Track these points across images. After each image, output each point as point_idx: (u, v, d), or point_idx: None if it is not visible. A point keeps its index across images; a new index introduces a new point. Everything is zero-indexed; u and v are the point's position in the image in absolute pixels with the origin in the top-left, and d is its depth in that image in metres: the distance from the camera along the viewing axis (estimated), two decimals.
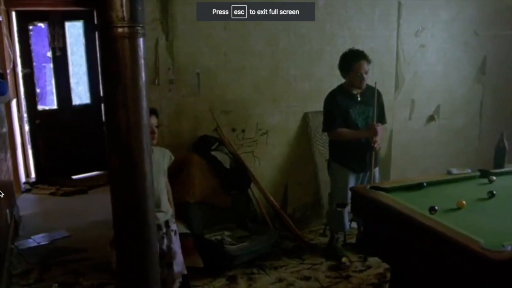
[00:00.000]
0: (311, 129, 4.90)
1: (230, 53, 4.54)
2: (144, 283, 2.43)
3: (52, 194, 6.37)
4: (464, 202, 2.96)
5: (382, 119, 4.31)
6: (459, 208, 2.94)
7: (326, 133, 4.37)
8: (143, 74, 2.17)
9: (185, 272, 3.48)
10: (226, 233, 4.39)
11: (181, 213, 4.25)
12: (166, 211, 3.35)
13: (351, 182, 4.18)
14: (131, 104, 2.15)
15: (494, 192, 3.14)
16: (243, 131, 4.73)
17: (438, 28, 5.48)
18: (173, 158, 3.52)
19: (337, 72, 4.20)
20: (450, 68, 5.62)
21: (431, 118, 5.66)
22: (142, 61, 2.16)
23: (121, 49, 2.09)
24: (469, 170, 3.67)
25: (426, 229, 2.58)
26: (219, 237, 4.28)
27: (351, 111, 4.11)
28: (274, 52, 4.71)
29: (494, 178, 3.49)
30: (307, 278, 4.01)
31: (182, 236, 4.08)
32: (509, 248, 2.25)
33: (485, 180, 3.49)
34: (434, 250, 2.54)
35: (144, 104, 2.20)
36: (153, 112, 3.17)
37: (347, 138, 4.15)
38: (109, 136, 2.27)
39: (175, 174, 4.35)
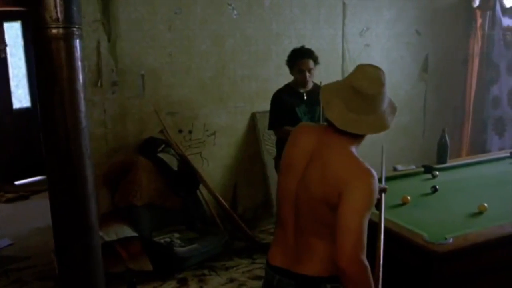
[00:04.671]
0: (259, 129, 4.90)
1: (175, 53, 4.49)
2: None
3: None
4: (408, 197, 3.02)
5: None
6: (404, 204, 3.00)
7: (273, 133, 4.37)
8: (80, 76, 2.11)
9: None
10: (176, 235, 4.33)
11: (128, 216, 4.19)
12: None
13: None
14: (69, 107, 2.09)
15: (437, 187, 3.22)
16: (190, 132, 4.68)
17: (382, 27, 5.59)
18: None
19: (284, 72, 4.21)
20: (394, 67, 5.74)
21: None
22: (79, 63, 2.10)
23: (55, 51, 2.04)
24: (414, 166, 3.75)
25: (373, 225, 2.61)
26: (168, 240, 4.22)
27: (296, 109, 4.11)
28: (220, 53, 4.69)
29: (437, 173, 3.58)
30: (259, 278, 3.99)
31: (130, 239, 4.02)
32: (451, 240, 2.32)
33: (429, 176, 3.58)
34: None
35: (83, 107, 2.14)
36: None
37: None
38: (46, 140, 2.21)
39: (121, 177, 4.27)
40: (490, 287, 2.46)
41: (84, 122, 2.13)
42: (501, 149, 5.49)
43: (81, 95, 2.11)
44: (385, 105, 1.92)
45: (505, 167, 3.87)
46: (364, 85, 1.84)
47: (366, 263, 1.71)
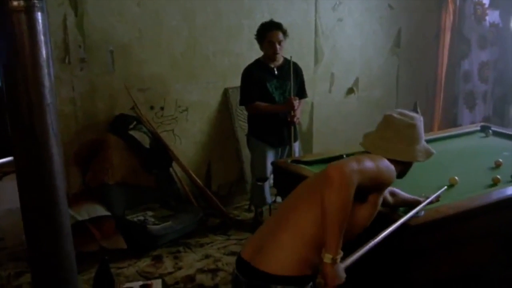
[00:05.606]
0: (232, 105, 4.86)
1: (144, 29, 4.38)
2: (58, 269, 2.33)
3: None
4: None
5: (302, 93, 4.31)
6: None
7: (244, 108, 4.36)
8: (43, 51, 2.04)
9: None
10: (149, 213, 4.31)
11: (100, 196, 4.14)
12: None
13: (270, 157, 4.19)
14: (32, 82, 2.03)
15: None
16: (162, 108, 4.61)
17: (354, 2, 5.54)
18: None
19: (257, 47, 4.17)
20: (367, 41, 5.73)
21: (350, 91, 5.77)
22: (41, 37, 2.02)
23: (17, 24, 1.96)
24: None
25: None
26: (141, 218, 4.20)
27: (267, 84, 4.09)
28: (190, 28, 4.60)
29: None
30: (234, 253, 4.01)
31: (102, 218, 3.99)
32: (422, 213, 2.34)
33: None
34: None
35: (47, 82, 2.07)
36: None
37: (264, 111, 4.14)
38: (11, 117, 2.15)
39: (91, 155, 4.21)
40: (461, 257, 2.50)
41: (49, 98, 2.06)
42: (471, 123, 5.56)
43: (45, 70, 2.03)
44: (418, 145, 2.12)
45: (476, 140, 3.92)
46: (394, 116, 2.13)
47: (352, 176, 1.75)
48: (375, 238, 1.93)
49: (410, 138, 2.11)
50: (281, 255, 1.87)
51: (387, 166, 1.95)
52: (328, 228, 1.74)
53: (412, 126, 2.11)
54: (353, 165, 1.79)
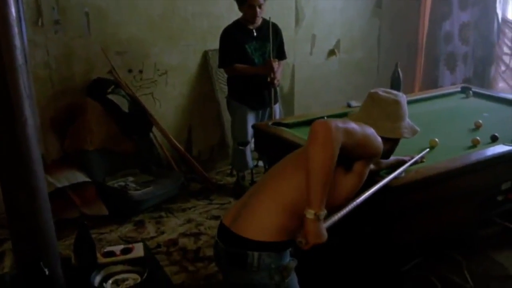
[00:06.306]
0: (212, 68, 4.79)
1: None
2: (37, 233, 2.30)
3: None
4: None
5: (281, 54, 4.27)
6: None
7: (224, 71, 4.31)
8: (12, 9, 1.94)
9: None
10: (130, 178, 4.29)
11: (80, 162, 4.09)
12: None
13: (250, 120, 4.17)
14: (3, 43, 1.94)
15: None
16: (141, 71, 4.52)
17: None
18: None
19: (236, 8, 4.08)
20: (348, 3, 5.65)
21: (331, 53, 5.72)
22: None
23: None
24: None
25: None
26: (122, 184, 4.18)
27: (246, 46, 4.03)
28: None
29: None
30: (216, 218, 4.03)
31: (82, 185, 3.95)
32: (403, 174, 2.34)
33: None
34: None
35: (18, 42, 1.99)
36: None
37: (243, 74, 4.09)
38: None
39: (69, 121, 4.14)
40: (442, 217, 2.53)
41: (20, 59, 1.97)
42: (452, 84, 5.56)
43: (15, 29, 1.94)
44: (403, 121, 2.15)
45: (456, 102, 3.93)
46: (379, 93, 2.15)
47: (338, 132, 1.71)
48: (357, 199, 1.92)
49: (395, 115, 2.12)
50: (260, 220, 1.86)
51: (373, 134, 1.93)
52: (311, 183, 1.71)
53: (397, 103, 2.13)
54: (339, 123, 1.76)
